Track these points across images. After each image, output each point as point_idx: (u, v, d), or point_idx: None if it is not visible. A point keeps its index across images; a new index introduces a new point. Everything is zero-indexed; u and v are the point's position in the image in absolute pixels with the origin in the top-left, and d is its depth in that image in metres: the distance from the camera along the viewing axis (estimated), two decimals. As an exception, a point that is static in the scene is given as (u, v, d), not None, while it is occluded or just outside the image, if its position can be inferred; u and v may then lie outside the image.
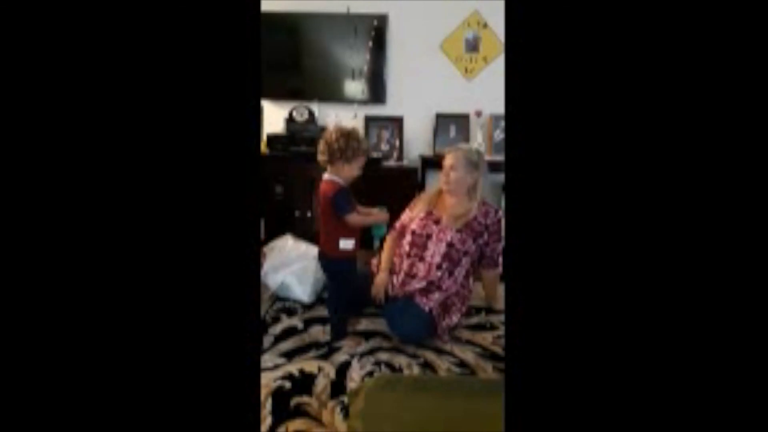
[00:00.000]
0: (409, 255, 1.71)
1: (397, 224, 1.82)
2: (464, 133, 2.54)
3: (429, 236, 1.69)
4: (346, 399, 1.29)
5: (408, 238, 1.73)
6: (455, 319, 1.71)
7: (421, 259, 1.68)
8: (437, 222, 1.70)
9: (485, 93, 2.52)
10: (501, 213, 1.73)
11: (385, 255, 1.78)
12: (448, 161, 1.69)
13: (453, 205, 1.71)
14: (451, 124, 2.57)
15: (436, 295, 1.65)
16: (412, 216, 1.79)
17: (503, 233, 1.74)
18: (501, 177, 2.49)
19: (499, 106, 2.48)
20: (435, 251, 1.67)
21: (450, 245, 1.65)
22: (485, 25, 2.51)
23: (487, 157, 2.44)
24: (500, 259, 1.79)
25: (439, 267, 1.66)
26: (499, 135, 2.51)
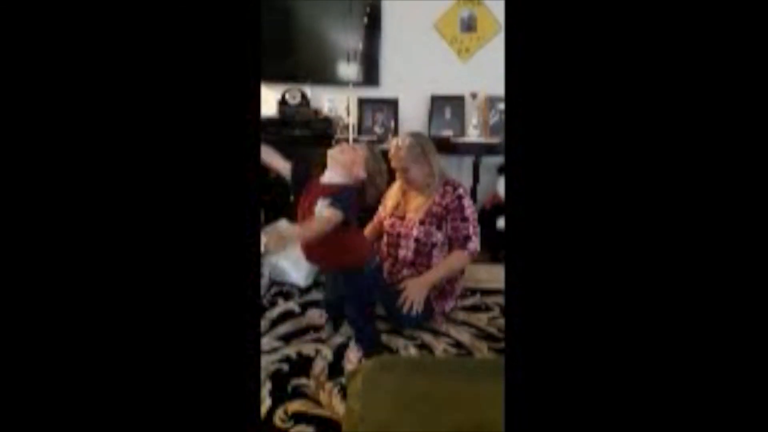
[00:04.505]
0: (388, 254, 1.71)
1: (375, 220, 1.82)
2: (459, 115, 2.52)
3: (399, 235, 1.68)
4: (343, 380, 1.31)
5: (384, 238, 1.73)
6: (451, 303, 1.72)
7: (396, 258, 1.69)
8: (402, 218, 1.69)
9: (481, 74, 2.49)
10: (461, 190, 1.64)
11: None
12: (395, 163, 1.60)
13: (414, 197, 1.69)
14: (446, 106, 2.54)
15: None
16: (384, 212, 1.77)
17: (467, 212, 1.63)
18: (497, 159, 2.49)
19: (494, 88, 2.46)
20: (406, 250, 1.66)
21: (417, 241, 1.64)
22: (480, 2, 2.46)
23: (483, 139, 2.44)
24: (470, 244, 1.62)
25: (413, 264, 1.66)
26: (495, 117, 2.49)
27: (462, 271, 1.76)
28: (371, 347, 1.41)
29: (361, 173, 1.31)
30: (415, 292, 1.55)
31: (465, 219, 1.63)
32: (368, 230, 1.82)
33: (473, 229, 1.64)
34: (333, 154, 1.31)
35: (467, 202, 1.64)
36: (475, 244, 1.64)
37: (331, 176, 1.30)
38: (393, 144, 1.63)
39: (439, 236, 1.64)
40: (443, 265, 1.63)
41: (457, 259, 1.63)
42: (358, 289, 1.39)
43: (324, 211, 1.22)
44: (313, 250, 1.34)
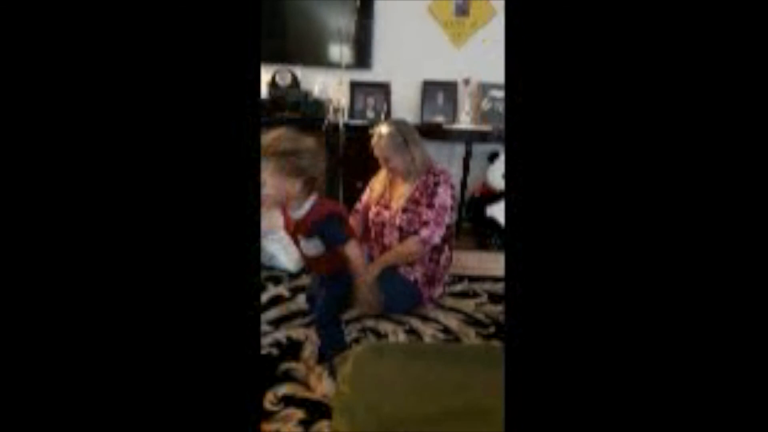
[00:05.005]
0: (376, 242, 1.72)
1: (359, 206, 1.81)
2: (452, 101, 2.51)
3: (383, 224, 1.69)
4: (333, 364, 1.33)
5: (372, 227, 1.74)
6: (439, 290, 1.74)
7: (383, 246, 1.69)
8: (387, 207, 1.69)
9: (474, 60, 2.47)
10: (441, 177, 1.62)
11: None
12: (377, 152, 1.60)
13: (399, 185, 1.69)
14: (438, 92, 2.52)
15: (418, 267, 1.67)
16: (370, 200, 1.76)
17: (436, 200, 1.59)
18: (488, 147, 2.49)
19: (487, 74, 2.44)
20: (391, 239, 1.66)
21: (400, 229, 1.64)
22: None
23: (474, 127, 2.44)
24: (423, 230, 1.58)
25: None
26: (487, 104, 2.49)
27: (449, 258, 1.77)
28: (332, 347, 1.29)
29: (297, 188, 1.13)
30: (366, 272, 1.56)
31: (430, 205, 1.59)
32: (352, 220, 1.81)
33: (435, 217, 1.59)
34: (267, 199, 1.13)
35: (442, 190, 1.61)
36: (429, 231, 1.58)
37: (292, 211, 1.20)
38: (375, 133, 1.61)
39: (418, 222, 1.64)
40: (394, 250, 1.63)
41: (407, 245, 1.61)
42: (337, 290, 1.30)
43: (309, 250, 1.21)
44: (310, 264, 1.32)
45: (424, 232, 1.58)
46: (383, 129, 1.59)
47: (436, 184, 1.61)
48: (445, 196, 1.61)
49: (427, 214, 1.59)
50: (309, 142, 1.14)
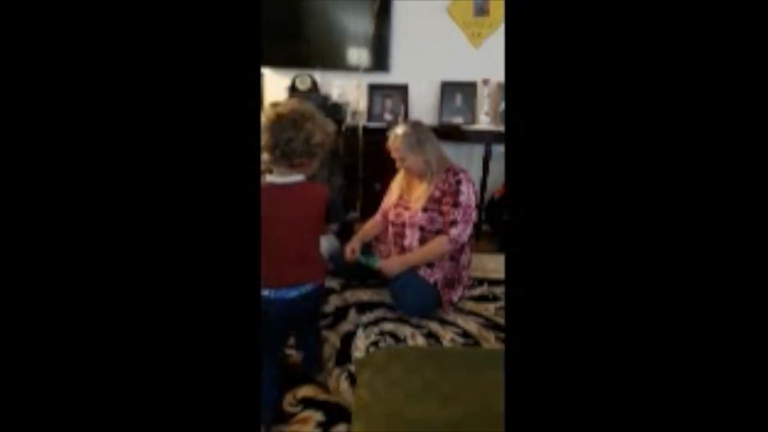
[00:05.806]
0: (395, 244, 1.73)
1: (379, 212, 1.82)
2: (471, 102, 2.49)
3: (404, 224, 1.69)
4: (351, 367, 1.33)
5: (390, 228, 1.74)
6: (459, 293, 1.73)
7: (402, 247, 1.70)
8: (407, 208, 1.69)
9: (492, 60, 2.44)
10: (462, 175, 1.63)
11: (359, 234, 1.79)
12: (394, 153, 1.64)
13: (417, 186, 1.70)
14: (457, 93, 2.51)
15: (438, 269, 1.66)
16: (389, 203, 1.77)
17: (461, 198, 1.60)
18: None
19: (506, 74, 2.41)
20: (411, 239, 1.67)
21: (422, 229, 1.64)
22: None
23: (493, 127, 2.41)
24: (452, 229, 1.59)
25: None
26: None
27: (469, 260, 1.76)
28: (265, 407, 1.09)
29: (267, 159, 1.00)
30: (389, 267, 1.62)
31: (457, 204, 1.60)
32: (371, 223, 1.83)
33: (462, 216, 1.60)
34: None
35: (465, 188, 1.62)
36: (458, 230, 1.60)
37: None
38: (391, 134, 1.65)
39: (441, 222, 1.64)
40: (422, 249, 1.64)
41: (436, 244, 1.61)
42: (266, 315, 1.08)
43: None
44: None
45: (454, 231, 1.60)
46: (398, 129, 1.63)
47: (458, 183, 1.62)
48: (469, 193, 1.63)
49: (454, 213, 1.60)
50: (309, 111, 0.99)
